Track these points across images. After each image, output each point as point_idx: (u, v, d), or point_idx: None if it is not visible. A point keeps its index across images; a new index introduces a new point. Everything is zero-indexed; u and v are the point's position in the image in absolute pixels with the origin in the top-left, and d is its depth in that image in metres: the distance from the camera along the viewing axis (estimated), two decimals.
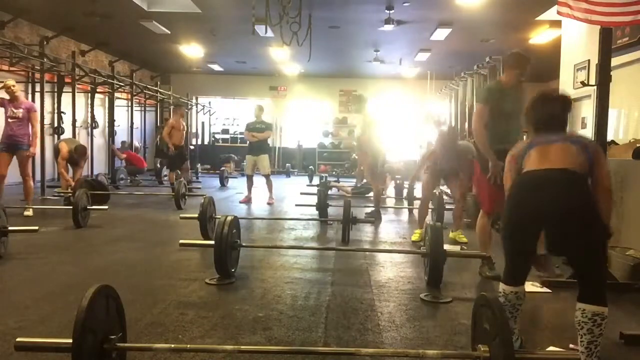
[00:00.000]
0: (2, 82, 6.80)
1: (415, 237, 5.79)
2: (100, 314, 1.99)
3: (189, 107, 18.07)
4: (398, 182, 10.47)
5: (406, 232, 6.54)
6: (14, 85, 6.57)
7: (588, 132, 8.66)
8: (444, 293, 3.61)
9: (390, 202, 9.65)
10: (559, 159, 2.37)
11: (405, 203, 8.93)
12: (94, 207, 6.41)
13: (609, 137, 4.93)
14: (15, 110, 6.49)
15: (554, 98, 2.64)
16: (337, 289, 3.73)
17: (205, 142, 18.79)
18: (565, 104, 2.62)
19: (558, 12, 3.94)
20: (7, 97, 6.59)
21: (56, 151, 8.48)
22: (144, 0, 9.86)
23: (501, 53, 8.25)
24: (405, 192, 9.42)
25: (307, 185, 11.63)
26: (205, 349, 2.53)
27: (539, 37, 11.42)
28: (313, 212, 6.94)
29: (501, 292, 2.53)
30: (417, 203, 8.81)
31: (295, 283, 3.88)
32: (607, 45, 3.85)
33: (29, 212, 6.63)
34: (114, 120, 13.47)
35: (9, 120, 6.51)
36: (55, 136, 10.74)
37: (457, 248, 5.21)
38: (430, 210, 7.20)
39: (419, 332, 2.85)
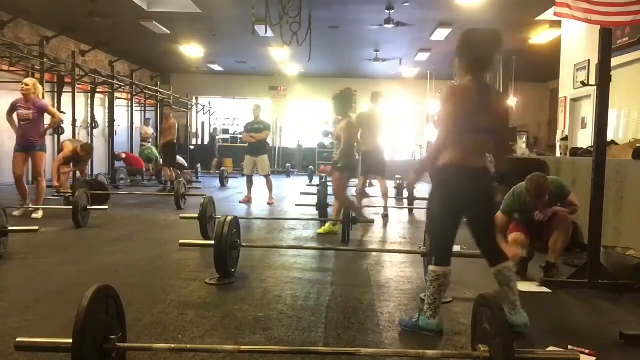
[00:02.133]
0: (14, 81, 6.86)
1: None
2: (100, 314, 1.98)
3: (189, 107, 18.08)
4: (399, 182, 10.47)
5: (406, 232, 6.54)
6: (27, 85, 6.58)
7: (588, 132, 8.69)
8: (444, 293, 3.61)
9: (391, 202, 9.65)
10: (479, 155, 2.78)
11: (406, 203, 8.93)
12: (94, 207, 6.42)
13: (609, 137, 4.94)
14: (26, 112, 6.53)
15: (492, 38, 2.79)
16: (337, 289, 3.73)
17: (205, 142, 18.79)
18: (501, 42, 2.80)
19: (555, 14, 3.93)
20: (19, 98, 6.64)
21: (61, 151, 8.51)
22: (144, 0, 9.87)
23: (501, 53, 8.25)
24: (405, 192, 9.42)
25: (307, 185, 11.64)
26: (205, 349, 2.52)
27: (539, 37, 11.43)
28: (313, 212, 6.93)
29: (439, 273, 2.79)
30: (417, 203, 8.85)
31: (295, 283, 3.88)
32: (607, 45, 3.84)
33: (38, 215, 6.61)
34: (114, 120, 13.47)
35: (21, 122, 6.56)
36: (56, 136, 10.74)
37: (457, 248, 5.20)
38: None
39: (419, 332, 2.85)
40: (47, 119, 7.01)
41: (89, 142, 12.38)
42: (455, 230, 2.88)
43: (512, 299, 2.83)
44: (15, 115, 6.62)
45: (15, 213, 6.46)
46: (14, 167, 6.65)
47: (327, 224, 6.03)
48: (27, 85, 6.56)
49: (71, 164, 8.43)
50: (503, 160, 2.99)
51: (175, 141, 10.76)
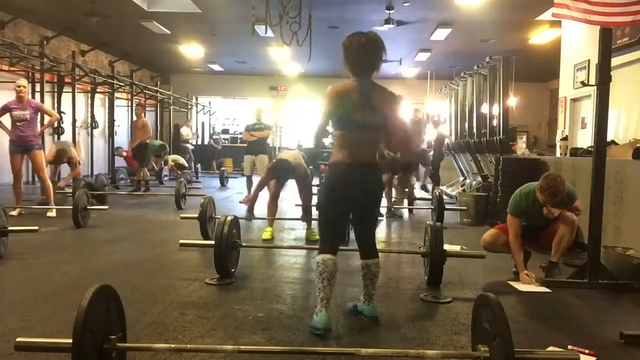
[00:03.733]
0: (14, 81, 6.93)
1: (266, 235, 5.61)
2: (100, 314, 1.98)
3: (189, 107, 18.08)
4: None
5: (406, 232, 6.54)
6: (24, 87, 6.65)
7: (588, 132, 8.69)
8: (444, 293, 3.61)
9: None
10: (362, 151, 2.85)
11: (405, 203, 8.92)
12: (94, 207, 6.43)
13: (609, 137, 4.93)
14: (22, 113, 6.55)
15: (374, 45, 2.89)
16: (337, 289, 3.69)
17: (205, 142, 18.78)
18: (374, 46, 2.90)
19: (554, 14, 3.90)
20: (11, 100, 6.67)
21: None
22: (144, 0, 9.87)
23: (501, 53, 8.25)
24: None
25: None
26: (205, 349, 2.52)
27: (539, 37, 11.43)
28: (313, 212, 6.92)
29: (320, 261, 2.87)
30: (417, 203, 8.84)
31: (295, 283, 3.88)
32: (607, 45, 3.84)
33: (52, 213, 6.68)
34: (114, 120, 13.47)
35: (17, 123, 6.56)
36: (55, 136, 10.75)
37: (457, 248, 5.21)
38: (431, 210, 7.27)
39: (419, 332, 2.85)
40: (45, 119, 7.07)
41: (89, 142, 12.43)
42: (343, 222, 3.06)
43: (370, 292, 3.03)
44: (6, 118, 6.63)
45: (13, 213, 6.46)
46: (13, 169, 6.68)
47: (270, 229, 5.66)
48: (24, 87, 6.62)
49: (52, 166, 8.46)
50: (408, 150, 3.17)
51: (147, 142, 10.59)
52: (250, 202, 5.63)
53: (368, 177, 2.87)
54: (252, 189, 5.63)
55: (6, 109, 6.61)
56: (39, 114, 6.86)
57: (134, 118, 14.54)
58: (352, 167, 2.84)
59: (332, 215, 2.96)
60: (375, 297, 3.04)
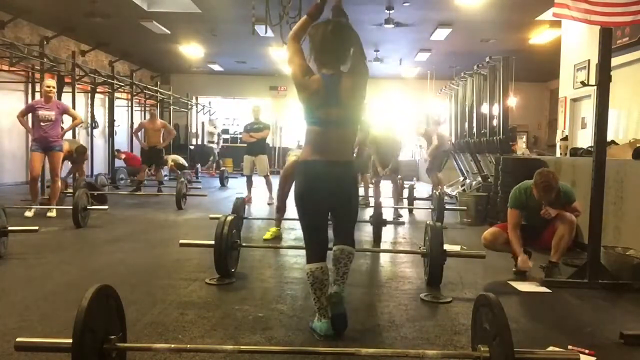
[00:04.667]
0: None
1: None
2: (100, 314, 1.98)
3: (189, 107, 18.07)
4: (399, 181, 10.43)
5: (406, 232, 6.54)
6: (53, 87, 6.75)
7: (588, 132, 8.69)
8: (444, 293, 3.61)
9: (390, 202, 9.63)
10: (329, 149, 2.71)
11: (405, 203, 8.93)
12: (94, 207, 6.44)
13: (609, 137, 4.94)
14: (47, 113, 6.58)
15: (342, 32, 2.72)
16: None
17: (205, 142, 18.76)
18: (352, 37, 2.73)
19: (554, 14, 3.91)
20: (37, 99, 6.73)
21: None
22: (144, 0, 9.87)
23: (501, 53, 8.25)
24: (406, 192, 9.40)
25: None
26: (205, 349, 2.52)
27: (539, 37, 11.43)
28: None
29: (309, 272, 2.77)
30: (417, 203, 8.85)
31: (295, 283, 3.88)
32: (607, 45, 3.84)
33: (53, 213, 6.69)
34: (114, 120, 13.47)
35: (42, 123, 6.58)
36: None
37: (457, 248, 5.21)
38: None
39: (419, 332, 2.85)
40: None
41: (89, 142, 12.42)
42: (320, 225, 2.83)
43: (339, 277, 2.83)
44: (29, 117, 6.67)
45: (28, 214, 6.45)
46: (32, 166, 6.68)
47: (275, 229, 5.66)
48: (54, 87, 6.73)
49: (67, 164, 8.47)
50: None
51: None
52: (279, 200, 5.58)
53: (334, 175, 2.71)
54: (277, 187, 5.62)
55: (31, 108, 6.68)
56: (63, 115, 6.89)
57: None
58: (317, 164, 2.69)
59: (308, 219, 2.82)
60: (343, 282, 2.85)
